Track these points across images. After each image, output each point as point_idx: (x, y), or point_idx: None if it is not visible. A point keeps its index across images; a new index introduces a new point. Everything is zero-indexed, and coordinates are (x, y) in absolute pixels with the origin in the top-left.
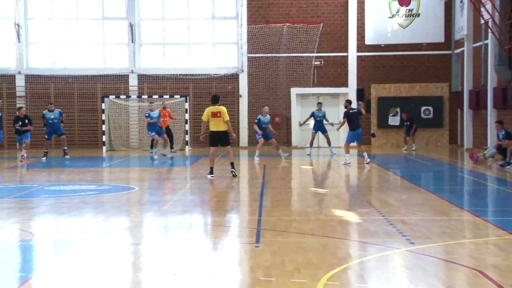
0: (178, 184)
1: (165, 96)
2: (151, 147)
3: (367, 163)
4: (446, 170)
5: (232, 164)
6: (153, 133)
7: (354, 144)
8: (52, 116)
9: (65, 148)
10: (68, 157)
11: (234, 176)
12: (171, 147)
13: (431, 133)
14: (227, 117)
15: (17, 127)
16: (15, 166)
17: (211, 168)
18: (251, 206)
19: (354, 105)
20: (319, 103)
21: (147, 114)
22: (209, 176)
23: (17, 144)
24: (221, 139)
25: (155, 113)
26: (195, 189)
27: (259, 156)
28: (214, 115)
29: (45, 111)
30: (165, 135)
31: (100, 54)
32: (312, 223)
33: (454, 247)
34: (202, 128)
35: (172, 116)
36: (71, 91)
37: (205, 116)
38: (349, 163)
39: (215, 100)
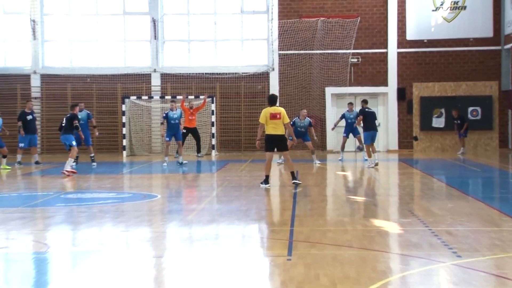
0: (204, 192)
1: (190, 97)
2: (176, 151)
3: (372, 167)
4: (496, 176)
5: (292, 174)
6: (168, 139)
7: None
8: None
9: (92, 155)
10: (95, 164)
11: (296, 185)
12: (198, 151)
13: (479, 136)
14: (287, 119)
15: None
16: (29, 172)
17: (267, 177)
18: (282, 216)
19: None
20: (350, 104)
21: (164, 114)
22: (264, 185)
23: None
24: (278, 144)
25: (175, 113)
26: (222, 197)
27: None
28: (273, 116)
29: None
30: (180, 141)
31: (120, 52)
32: (349, 233)
33: (506, 260)
34: (259, 132)
35: (204, 102)
36: (89, 92)
37: (262, 118)
38: (374, 165)
39: (273, 100)
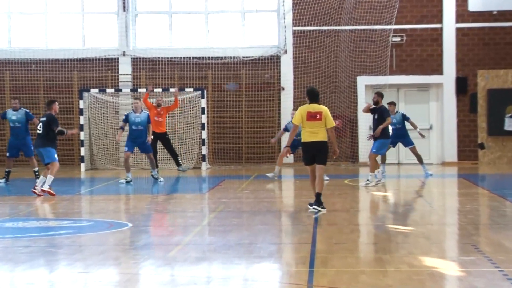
0: (191, 219)
1: (172, 89)
2: (177, 164)
3: (370, 185)
4: None
5: (318, 196)
6: (126, 148)
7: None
8: (14, 118)
9: (36, 169)
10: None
11: (318, 211)
12: (177, 164)
13: None
14: (332, 123)
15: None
16: None
17: (318, 196)
18: (299, 252)
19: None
20: (391, 104)
21: (124, 117)
22: (315, 207)
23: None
24: (318, 154)
25: (139, 116)
26: (216, 226)
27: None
28: (312, 116)
29: (7, 110)
30: (150, 154)
31: (77, 29)
32: (389, 276)
33: None
34: (290, 137)
35: (176, 101)
36: (34, 83)
37: (297, 118)
38: (377, 183)
39: (314, 96)
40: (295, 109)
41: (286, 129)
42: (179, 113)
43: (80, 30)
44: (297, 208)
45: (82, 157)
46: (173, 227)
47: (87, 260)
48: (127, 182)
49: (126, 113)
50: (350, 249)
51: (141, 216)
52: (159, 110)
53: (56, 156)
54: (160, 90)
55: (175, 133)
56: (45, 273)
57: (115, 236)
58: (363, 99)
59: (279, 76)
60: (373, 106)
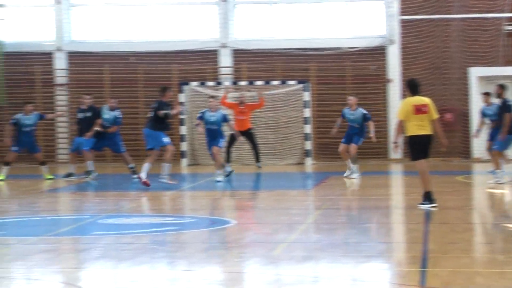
0: (296, 217)
1: (273, 82)
2: (257, 159)
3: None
4: None
5: (428, 195)
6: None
7: None
8: (107, 116)
9: (132, 165)
10: (135, 177)
11: (432, 207)
12: (257, 160)
13: None
14: (435, 114)
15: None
16: (55, 188)
17: (428, 194)
18: (409, 251)
19: None
20: (486, 94)
21: (200, 114)
22: (426, 206)
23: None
24: (428, 148)
25: (213, 115)
26: (322, 223)
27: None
28: (418, 110)
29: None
30: (218, 155)
31: (176, 21)
32: (507, 278)
33: None
34: (396, 132)
35: (261, 100)
36: (133, 76)
37: (402, 113)
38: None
39: (415, 88)
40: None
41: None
42: (282, 106)
43: (179, 21)
44: (406, 206)
45: (183, 152)
46: (277, 225)
47: (190, 258)
48: (227, 175)
49: (201, 112)
50: (464, 249)
51: (245, 213)
52: (242, 107)
53: (166, 139)
54: (261, 83)
55: (278, 127)
56: (148, 270)
57: (219, 234)
58: (475, 91)
59: (386, 67)
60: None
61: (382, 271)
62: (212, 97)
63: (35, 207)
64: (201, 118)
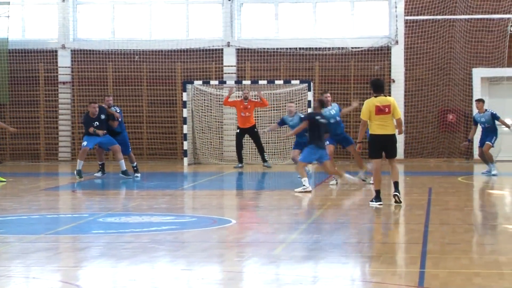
0: (296, 216)
1: (277, 81)
2: (263, 159)
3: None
4: None
5: (396, 184)
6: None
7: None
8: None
9: (135, 164)
10: (138, 176)
11: (398, 202)
12: (263, 160)
13: None
14: (399, 114)
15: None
16: (55, 186)
17: (378, 192)
18: (409, 251)
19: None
20: (479, 101)
21: (279, 121)
22: (374, 203)
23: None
24: (388, 147)
25: (292, 120)
26: (322, 224)
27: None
28: (381, 110)
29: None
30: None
31: (181, 19)
32: (506, 279)
33: None
34: (360, 132)
35: (263, 101)
36: (138, 74)
37: (365, 113)
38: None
39: (378, 88)
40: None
41: (281, 123)
42: (285, 106)
43: (184, 20)
44: (407, 206)
45: (185, 151)
46: (278, 224)
47: (190, 257)
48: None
49: (282, 117)
50: (463, 249)
51: (245, 213)
52: (246, 104)
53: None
54: (265, 82)
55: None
56: (148, 269)
57: (219, 233)
58: (479, 92)
59: (390, 68)
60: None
61: (381, 271)
62: (291, 102)
63: (34, 205)
64: (282, 123)
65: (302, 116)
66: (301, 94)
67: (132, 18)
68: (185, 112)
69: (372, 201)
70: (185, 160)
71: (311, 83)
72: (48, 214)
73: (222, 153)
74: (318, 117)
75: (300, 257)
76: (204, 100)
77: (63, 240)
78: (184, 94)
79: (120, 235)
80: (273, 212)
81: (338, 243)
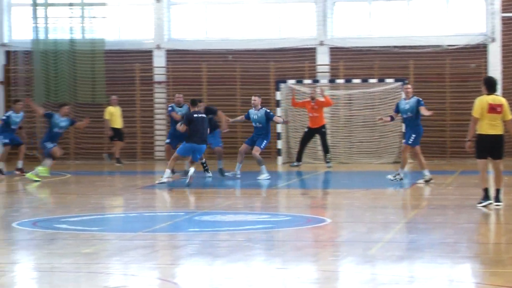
0: (392, 216)
1: (371, 80)
2: (326, 160)
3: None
4: None
5: (498, 192)
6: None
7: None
8: (180, 113)
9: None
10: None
11: (488, 204)
12: (327, 161)
13: None
14: (510, 115)
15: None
16: (151, 185)
17: (486, 191)
18: (508, 252)
19: None
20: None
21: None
22: (483, 203)
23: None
24: (495, 148)
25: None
26: (419, 223)
27: None
28: (493, 109)
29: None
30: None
31: (274, 19)
32: None
33: None
34: (471, 130)
35: (326, 100)
36: (231, 74)
37: (477, 111)
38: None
39: (492, 86)
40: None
41: (247, 116)
42: (379, 104)
43: (277, 19)
44: (506, 206)
45: (279, 150)
46: (373, 224)
47: (285, 255)
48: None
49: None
50: None
51: (340, 212)
52: (313, 104)
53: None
54: (359, 81)
55: (375, 126)
56: (243, 267)
57: (314, 232)
58: None
59: (486, 66)
60: None
61: (479, 272)
62: (255, 95)
63: (132, 203)
64: (247, 116)
65: (268, 110)
66: (395, 93)
67: (226, 17)
68: (279, 111)
69: (481, 201)
70: (279, 159)
71: (405, 82)
72: (145, 212)
73: (316, 152)
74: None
75: (396, 257)
76: (297, 98)
77: (160, 238)
78: (278, 93)
79: (215, 233)
80: (368, 211)
81: (435, 243)
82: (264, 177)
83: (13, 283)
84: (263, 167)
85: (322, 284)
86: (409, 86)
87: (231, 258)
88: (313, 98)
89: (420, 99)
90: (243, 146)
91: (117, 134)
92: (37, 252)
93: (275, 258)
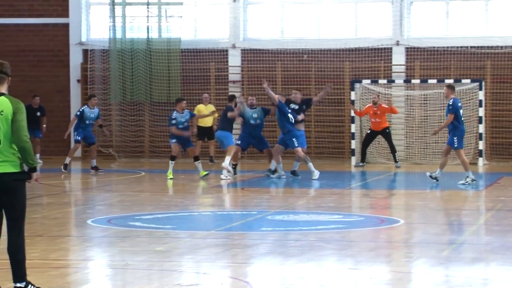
0: (466, 217)
1: (447, 81)
2: (395, 160)
3: None
4: None
5: None
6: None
7: None
8: (255, 115)
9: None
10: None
11: None
12: (395, 161)
13: None
14: None
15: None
16: (220, 185)
17: None
18: None
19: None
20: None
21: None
22: None
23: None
24: None
25: None
26: (494, 225)
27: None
28: None
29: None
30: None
31: (350, 18)
32: None
33: None
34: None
35: (393, 110)
36: (306, 73)
37: None
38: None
39: None
40: None
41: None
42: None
43: (352, 19)
44: None
45: (353, 150)
46: (446, 225)
47: (357, 256)
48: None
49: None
50: None
51: (413, 213)
52: (375, 109)
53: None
54: (434, 81)
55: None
56: (315, 267)
57: (387, 233)
58: None
59: None
60: None
61: None
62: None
63: (205, 202)
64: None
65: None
66: (472, 93)
67: (301, 17)
68: (352, 111)
69: None
70: (353, 159)
71: (483, 82)
72: (218, 211)
73: (389, 153)
74: None
75: (470, 259)
76: (372, 98)
77: (233, 236)
78: (352, 93)
79: (288, 233)
80: (442, 212)
81: (509, 245)
82: (315, 174)
83: (87, 280)
84: (310, 164)
85: (394, 285)
86: (444, 88)
87: (303, 257)
88: (375, 103)
89: (450, 102)
90: (278, 147)
91: (207, 133)
92: (110, 249)
93: (347, 259)
